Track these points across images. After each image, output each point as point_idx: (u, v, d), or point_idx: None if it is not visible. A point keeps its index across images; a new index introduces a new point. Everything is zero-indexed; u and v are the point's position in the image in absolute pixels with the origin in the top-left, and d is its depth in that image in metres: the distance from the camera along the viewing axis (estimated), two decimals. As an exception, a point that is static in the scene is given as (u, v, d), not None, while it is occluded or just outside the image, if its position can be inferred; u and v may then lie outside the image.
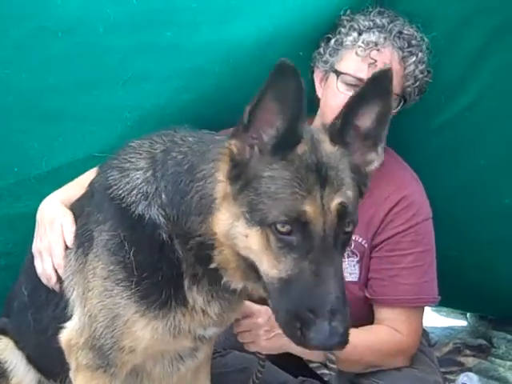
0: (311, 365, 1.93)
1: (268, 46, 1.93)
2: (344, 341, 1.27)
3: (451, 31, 2.04)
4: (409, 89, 1.94)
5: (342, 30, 1.95)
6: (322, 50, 1.99)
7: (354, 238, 2.00)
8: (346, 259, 2.03)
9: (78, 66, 2.03)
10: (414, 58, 1.91)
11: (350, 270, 2.03)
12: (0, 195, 2.14)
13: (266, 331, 1.82)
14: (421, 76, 1.94)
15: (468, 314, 3.15)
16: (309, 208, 1.28)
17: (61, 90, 2.04)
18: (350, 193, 1.34)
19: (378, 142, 1.42)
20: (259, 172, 1.33)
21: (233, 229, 1.36)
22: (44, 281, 1.71)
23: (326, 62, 1.98)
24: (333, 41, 1.96)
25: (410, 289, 1.98)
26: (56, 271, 1.68)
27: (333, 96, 1.94)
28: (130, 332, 1.51)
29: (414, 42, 1.93)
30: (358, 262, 2.03)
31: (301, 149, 1.33)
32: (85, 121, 2.07)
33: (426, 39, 1.97)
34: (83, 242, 1.62)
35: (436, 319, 3.09)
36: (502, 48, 2.08)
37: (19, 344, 1.85)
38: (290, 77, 1.27)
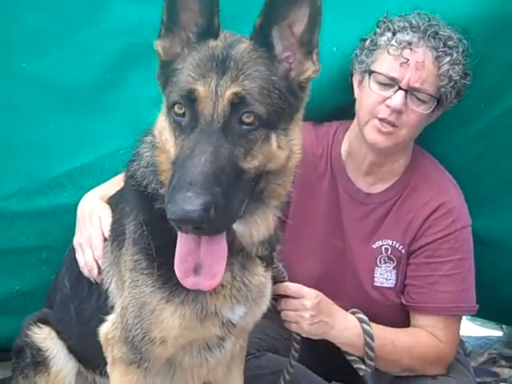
0: (348, 357, 1.93)
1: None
2: (199, 215, 1.19)
3: (490, 36, 2.02)
4: (443, 89, 1.90)
5: (378, 30, 1.96)
6: (358, 51, 2.00)
7: (390, 243, 2.02)
8: (383, 265, 2.03)
9: (134, 63, 2.16)
10: (448, 58, 1.87)
11: (387, 275, 2.03)
12: (48, 186, 2.23)
13: (311, 315, 1.84)
14: (457, 77, 1.90)
15: (504, 325, 3.10)
16: (199, 87, 1.32)
17: (116, 85, 2.19)
18: (250, 85, 1.33)
19: (312, 48, 1.41)
20: (176, 65, 1.40)
21: (160, 124, 1.45)
22: (86, 273, 1.76)
23: (361, 63, 1.98)
24: (368, 41, 1.96)
25: (449, 297, 1.96)
26: (97, 263, 1.73)
27: (366, 96, 1.94)
28: (158, 322, 1.52)
29: (450, 42, 1.89)
30: (394, 267, 2.02)
31: (213, 43, 1.39)
32: (134, 113, 2.17)
33: (464, 42, 1.93)
34: (118, 235, 1.67)
35: (471, 328, 3.05)
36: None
37: (61, 334, 1.89)
38: None
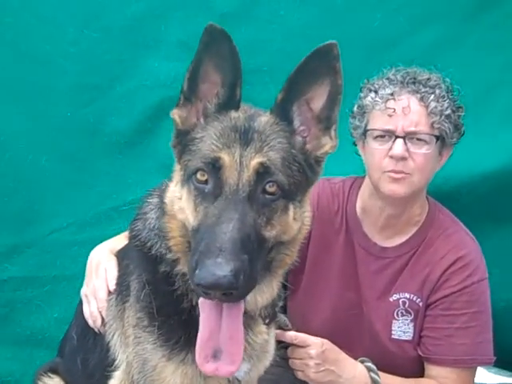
0: None
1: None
2: (229, 281, 1.18)
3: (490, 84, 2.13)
4: (438, 125, 1.92)
5: (361, 95, 2.02)
6: (351, 120, 2.06)
7: (408, 296, 2.03)
8: (400, 318, 2.04)
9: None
10: (432, 96, 1.91)
11: (404, 328, 2.04)
12: (98, 219, 2.47)
13: (316, 364, 1.88)
14: (448, 111, 1.92)
15: (518, 373, 3.05)
16: (224, 156, 1.33)
17: (157, 133, 2.37)
18: (274, 156, 1.35)
19: (330, 125, 1.43)
20: (195, 134, 1.42)
21: (172, 194, 1.44)
22: (90, 323, 1.77)
23: (357, 128, 2.03)
24: (355, 107, 2.02)
25: (465, 349, 1.97)
26: (101, 314, 1.74)
27: (370, 155, 1.99)
28: (160, 378, 1.53)
29: (430, 82, 1.93)
30: (412, 320, 2.03)
31: (235, 114, 1.41)
32: (172, 157, 2.29)
33: (447, 79, 1.97)
34: (122, 290, 1.68)
35: (485, 376, 2.96)
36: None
37: None
38: (222, 41, 1.34)
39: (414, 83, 1.93)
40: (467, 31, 2.22)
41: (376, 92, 1.96)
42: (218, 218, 1.28)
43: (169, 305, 1.47)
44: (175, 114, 1.46)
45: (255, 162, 1.33)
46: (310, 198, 1.53)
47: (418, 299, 2.02)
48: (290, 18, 2.26)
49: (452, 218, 2.10)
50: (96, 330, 1.75)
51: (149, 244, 1.57)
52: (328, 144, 1.45)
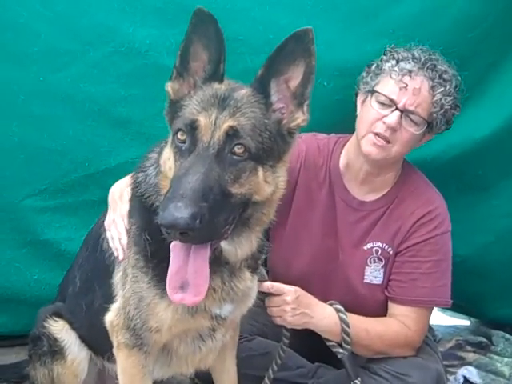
0: (328, 343, 2.15)
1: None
2: (186, 222, 1.34)
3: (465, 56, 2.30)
4: (434, 115, 2.12)
5: (384, 57, 2.19)
6: (364, 74, 2.23)
7: (380, 245, 2.24)
8: (372, 264, 2.25)
9: (144, 83, 2.34)
10: (442, 89, 2.10)
11: (376, 274, 2.25)
12: (71, 186, 2.50)
13: (292, 308, 2.06)
14: (448, 107, 2.12)
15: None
16: (201, 118, 1.51)
17: (129, 101, 2.39)
18: (245, 121, 1.51)
19: (303, 101, 1.60)
20: (183, 102, 1.59)
21: (165, 155, 1.61)
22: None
23: (366, 84, 2.21)
24: (374, 66, 2.20)
25: (426, 292, 2.20)
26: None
27: (366, 112, 2.17)
28: (153, 313, 1.72)
29: (445, 76, 2.12)
30: (382, 267, 2.24)
31: (217, 85, 1.58)
32: (149, 126, 2.37)
33: (458, 78, 2.17)
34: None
35: (441, 318, 3.23)
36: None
37: (73, 325, 2.06)
38: (209, 24, 1.54)
39: (432, 70, 2.09)
40: (449, 2, 2.28)
41: (398, 62, 2.12)
42: (186, 171, 1.45)
43: (162, 250, 1.62)
44: (169, 86, 1.64)
45: (226, 124, 1.50)
46: (291, 163, 1.71)
47: (390, 248, 2.23)
48: (267, -16, 2.26)
49: (423, 177, 2.31)
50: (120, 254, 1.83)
51: (146, 195, 1.74)
52: (300, 118, 1.62)
